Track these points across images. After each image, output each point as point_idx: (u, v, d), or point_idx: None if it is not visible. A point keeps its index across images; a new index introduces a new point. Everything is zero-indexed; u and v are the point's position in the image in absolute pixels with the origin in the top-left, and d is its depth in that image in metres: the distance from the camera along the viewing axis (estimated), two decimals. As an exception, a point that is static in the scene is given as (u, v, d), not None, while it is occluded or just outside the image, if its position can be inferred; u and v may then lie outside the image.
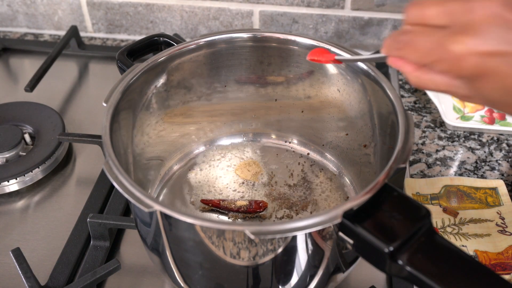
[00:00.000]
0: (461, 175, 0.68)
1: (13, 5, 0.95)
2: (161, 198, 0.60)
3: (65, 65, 0.89)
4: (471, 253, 0.57)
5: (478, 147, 0.72)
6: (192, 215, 0.38)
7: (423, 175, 0.68)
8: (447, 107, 0.78)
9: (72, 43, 0.90)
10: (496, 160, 0.70)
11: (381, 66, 0.79)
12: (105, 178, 0.65)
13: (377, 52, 0.40)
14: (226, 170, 0.64)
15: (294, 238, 0.40)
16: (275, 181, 0.62)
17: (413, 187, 0.65)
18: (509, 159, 0.70)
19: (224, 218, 0.58)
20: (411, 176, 0.68)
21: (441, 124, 0.76)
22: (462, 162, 0.70)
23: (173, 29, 0.93)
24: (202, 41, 0.57)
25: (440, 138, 0.74)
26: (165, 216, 0.40)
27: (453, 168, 0.69)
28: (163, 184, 0.62)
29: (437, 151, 0.72)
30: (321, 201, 0.60)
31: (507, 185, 0.66)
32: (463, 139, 0.74)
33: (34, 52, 0.92)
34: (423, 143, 0.73)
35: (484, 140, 0.74)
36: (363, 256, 0.39)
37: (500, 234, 0.59)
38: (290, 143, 0.67)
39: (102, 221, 0.56)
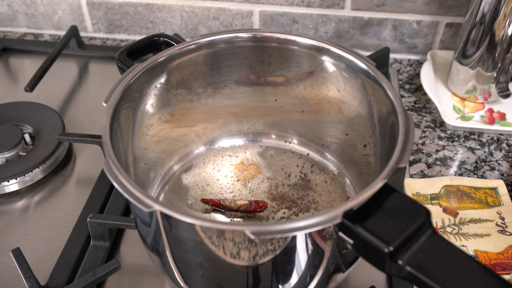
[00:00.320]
0: (461, 175, 0.68)
1: (13, 5, 0.95)
2: (161, 198, 0.60)
3: (65, 65, 0.89)
4: (471, 253, 0.57)
5: (478, 147, 0.72)
6: (192, 215, 0.38)
7: (423, 175, 0.68)
8: (447, 107, 0.78)
9: (72, 43, 0.90)
10: (496, 160, 0.70)
11: (381, 66, 0.79)
12: (105, 178, 0.65)
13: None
14: (226, 170, 0.64)
15: (294, 238, 0.40)
16: (275, 181, 0.62)
17: (413, 187, 0.65)
18: (509, 159, 0.70)
19: (224, 218, 0.58)
20: (411, 176, 0.68)
21: (441, 124, 0.76)
22: (462, 162, 0.70)
23: (173, 29, 0.93)
24: (202, 41, 0.57)
25: (440, 138, 0.74)
26: (165, 216, 0.40)
27: (453, 168, 0.69)
28: (163, 184, 0.62)
29: (437, 151, 0.72)
30: (321, 201, 0.60)
31: (507, 185, 0.66)
32: (463, 139, 0.74)
33: (34, 52, 0.92)
34: (423, 143, 0.73)
35: (484, 140, 0.74)
36: (363, 256, 0.39)
37: (500, 234, 0.59)
38: (290, 143, 0.67)
39: (102, 221, 0.56)
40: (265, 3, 0.87)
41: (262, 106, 0.65)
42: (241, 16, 0.89)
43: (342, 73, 0.57)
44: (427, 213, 0.38)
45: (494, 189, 0.65)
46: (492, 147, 0.72)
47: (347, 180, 0.62)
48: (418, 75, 0.86)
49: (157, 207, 0.38)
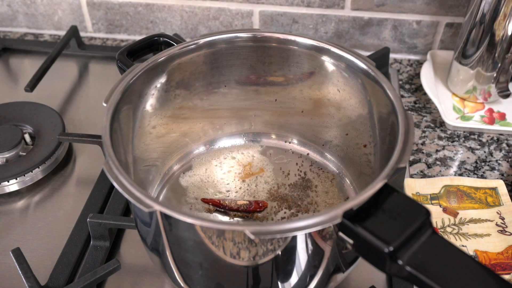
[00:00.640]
0: (461, 175, 0.68)
1: (13, 5, 0.95)
2: (161, 198, 0.60)
3: (65, 65, 0.89)
4: (471, 253, 0.57)
5: (478, 147, 0.72)
6: (192, 215, 0.38)
7: (423, 175, 0.68)
8: (447, 107, 0.78)
9: (72, 43, 0.90)
10: (496, 160, 0.70)
11: (381, 66, 0.79)
12: (105, 178, 0.65)
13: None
14: (226, 170, 0.64)
15: (294, 238, 0.40)
16: (275, 181, 0.62)
17: (413, 187, 0.65)
18: (509, 159, 0.70)
19: (224, 217, 0.58)
20: (411, 176, 0.68)
21: (441, 124, 0.76)
22: (462, 162, 0.70)
23: (173, 29, 0.93)
24: (202, 41, 0.57)
25: (440, 138, 0.74)
26: (165, 216, 0.40)
27: (453, 168, 0.69)
28: (163, 184, 0.62)
29: (437, 151, 0.72)
30: (321, 201, 0.60)
31: (507, 185, 0.66)
32: (463, 139, 0.74)
33: (34, 52, 0.92)
34: (423, 143, 0.73)
35: (484, 140, 0.74)
36: (363, 256, 0.39)
37: (500, 234, 0.59)
38: (290, 143, 0.67)
39: (102, 221, 0.56)
40: (265, 3, 0.87)
41: (262, 106, 0.65)
42: (241, 16, 0.89)
43: (342, 73, 0.57)
44: (427, 213, 0.38)
45: (494, 189, 0.65)
46: (492, 147, 0.72)
47: (347, 180, 0.62)
48: (418, 75, 0.86)
49: (157, 207, 0.38)
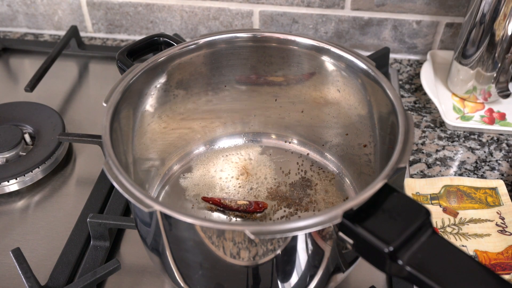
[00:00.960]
0: (461, 175, 0.68)
1: (13, 5, 0.95)
2: (161, 198, 0.60)
3: (65, 65, 0.89)
4: (471, 253, 0.57)
5: (478, 147, 0.72)
6: (192, 215, 0.38)
7: (423, 175, 0.68)
8: (447, 107, 0.78)
9: (72, 43, 0.90)
10: (496, 160, 0.70)
11: (381, 66, 0.79)
12: (105, 178, 0.65)
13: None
14: (226, 170, 0.64)
15: (294, 238, 0.40)
16: (275, 181, 0.62)
17: (413, 187, 0.65)
18: (509, 159, 0.70)
19: (224, 217, 0.58)
20: (411, 176, 0.68)
21: (441, 124, 0.76)
22: (462, 162, 0.70)
23: (173, 29, 0.93)
24: (202, 41, 0.57)
25: (440, 138, 0.74)
26: (165, 216, 0.40)
27: (453, 168, 0.69)
28: (163, 184, 0.62)
29: (437, 151, 0.72)
30: (321, 201, 0.60)
31: (507, 185, 0.66)
32: (463, 139, 0.74)
33: (34, 52, 0.92)
34: (423, 143, 0.73)
35: (484, 140, 0.74)
36: (363, 256, 0.39)
37: (500, 234, 0.59)
38: (290, 143, 0.67)
39: (102, 221, 0.56)
40: (265, 3, 0.87)
41: (262, 106, 0.65)
42: (241, 16, 0.89)
43: (342, 73, 0.57)
44: (427, 213, 0.38)
45: (494, 189, 0.65)
46: (492, 147, 0.72)
47: (347, 180, 0.62)
48: (418, 75, 0.86)
49: (157, 207, 0.38)
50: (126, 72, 0.53)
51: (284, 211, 0.59)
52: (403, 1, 0.84)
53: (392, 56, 0.90)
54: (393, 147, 0.44)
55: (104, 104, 0.49)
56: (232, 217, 0.58)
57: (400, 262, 0.36)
